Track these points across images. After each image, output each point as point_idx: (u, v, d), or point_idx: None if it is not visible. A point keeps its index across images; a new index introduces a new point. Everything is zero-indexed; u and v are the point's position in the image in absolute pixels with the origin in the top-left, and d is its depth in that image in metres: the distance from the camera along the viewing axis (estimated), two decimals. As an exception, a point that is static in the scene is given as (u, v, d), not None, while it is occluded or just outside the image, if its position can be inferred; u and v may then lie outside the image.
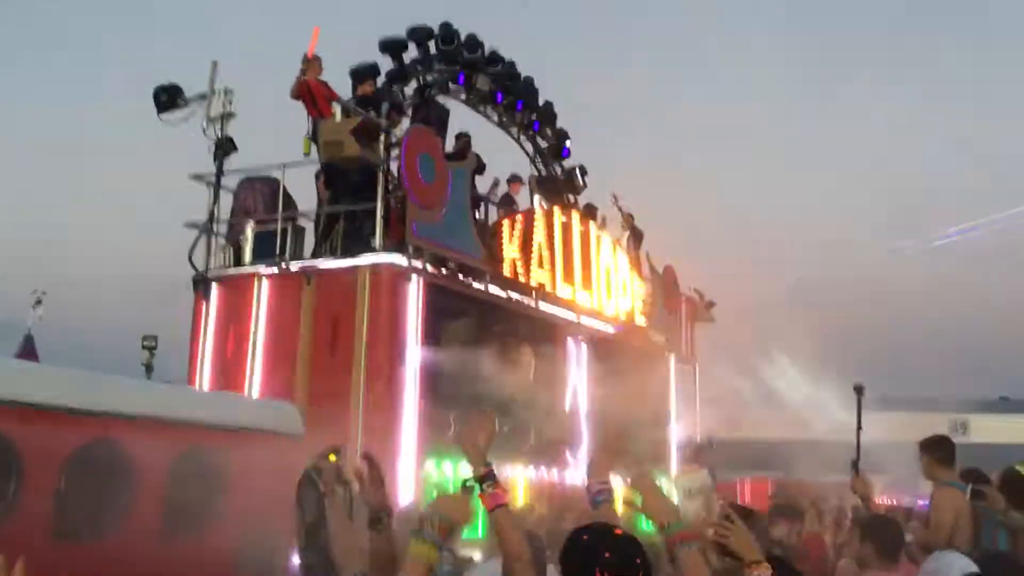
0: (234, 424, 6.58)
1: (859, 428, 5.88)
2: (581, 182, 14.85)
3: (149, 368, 15.84)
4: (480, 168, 11.90)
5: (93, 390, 6.10)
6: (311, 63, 10.28)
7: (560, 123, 14.65)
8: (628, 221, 14.79)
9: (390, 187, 9.81)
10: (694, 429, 15.66)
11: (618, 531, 2.70)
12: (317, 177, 10.40)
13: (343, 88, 10.60)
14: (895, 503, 11.48)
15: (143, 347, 16.03)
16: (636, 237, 14.93)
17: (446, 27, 12.31)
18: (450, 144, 11.62)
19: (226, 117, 10.47)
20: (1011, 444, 20.81)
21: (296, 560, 6.17)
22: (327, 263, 9.87)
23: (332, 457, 5.45)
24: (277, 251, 10.05)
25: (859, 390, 5.95)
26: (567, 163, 14.87)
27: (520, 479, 10.75)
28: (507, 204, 12.57)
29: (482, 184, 12.11)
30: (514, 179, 13.14)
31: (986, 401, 27.50)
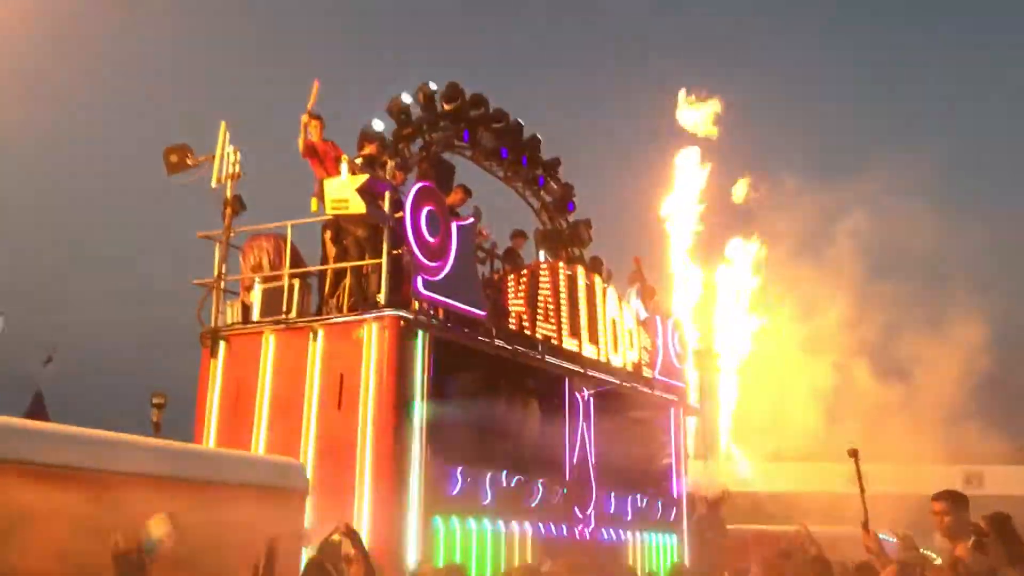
0: (238, 481, 6.60)
1: (862, 491, 5.88)
2: (587, 236, 14.97)
3: (158, 426, 15.88)
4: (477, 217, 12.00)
5: (97, 449, 6.15)
6: (315, 122, 10.50)
7: (565, 177, 14.84)
8: (638, 276, 14.89)
9: (396, 244, 9.93)
10: (706, 481, 15.52)
11: None
12: (324, 230, 10.53)
13: (349, 145, 10.81)
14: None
15: (152, 405, 16.08)
16: (648, 295, 14.98)
17: (452, 86, 12.55)
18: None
19: (235, 176, 10.68)
20: (1029, 496, 20.49)
21: None
22: (334, 319, 9.95)
23: (336, 537, 5.45)
24: (284, 307, 10.14)
25: (854, 454, 5.98)
26: (572, 217, 15.01)
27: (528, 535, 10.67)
28: (511, 258, 12.65)
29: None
30: (518, 234, 13.23)
31: (1002, 453, 27.07)
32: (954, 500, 5.63)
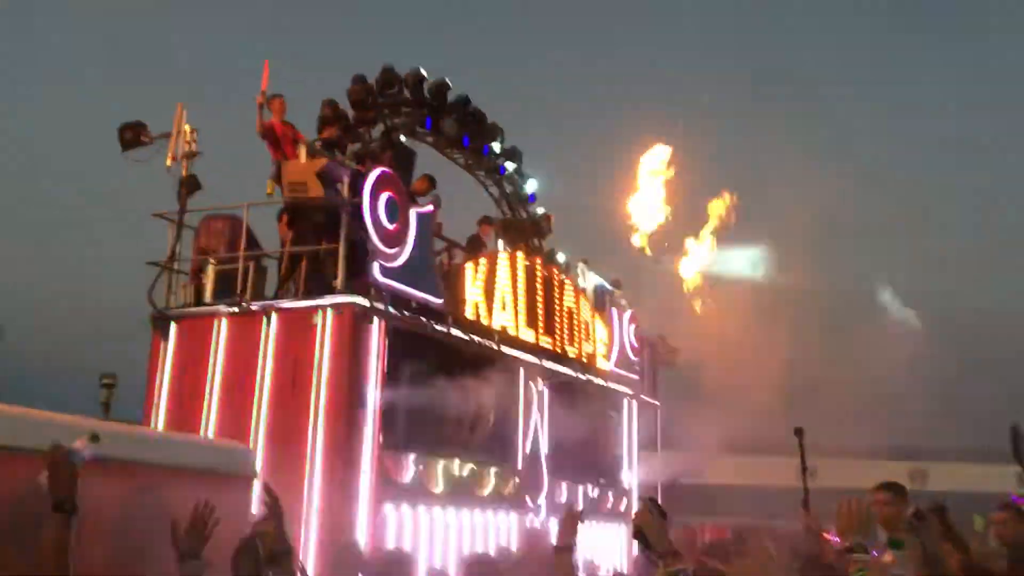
0: (182, 464, 6.51)
1: (804, 469, 6.03)
2: (547, 226, 14.98)
3: (107, 407, 15.61)
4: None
5: (37, 430, 6.03)
6: (277, 100, 10.38)
7: (526, 166, 14.82)
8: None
9: (354, 229, 9.84)
10: (658, 474, 15.66)
11: None
12: (279, 218, 10.44)
13: (308, 128, 10.69)
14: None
15: (101, 385, 15.82)
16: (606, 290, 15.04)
17: (414, 71, 12.47)
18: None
19: (190, 155, 10.51)
20: (971, 492, 20.96)
21: None
22: (288, 303, 9.85)
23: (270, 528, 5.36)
24: (238, 291, 10.02)
25: (799, 433, 6.12)
26: (533, 207, 15.01)
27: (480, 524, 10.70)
28: (475, 246, 12.63)
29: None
30: (485, 221, 13.22)
31: (946, 450, 27.70)
32: (895, 491, 5.76)
